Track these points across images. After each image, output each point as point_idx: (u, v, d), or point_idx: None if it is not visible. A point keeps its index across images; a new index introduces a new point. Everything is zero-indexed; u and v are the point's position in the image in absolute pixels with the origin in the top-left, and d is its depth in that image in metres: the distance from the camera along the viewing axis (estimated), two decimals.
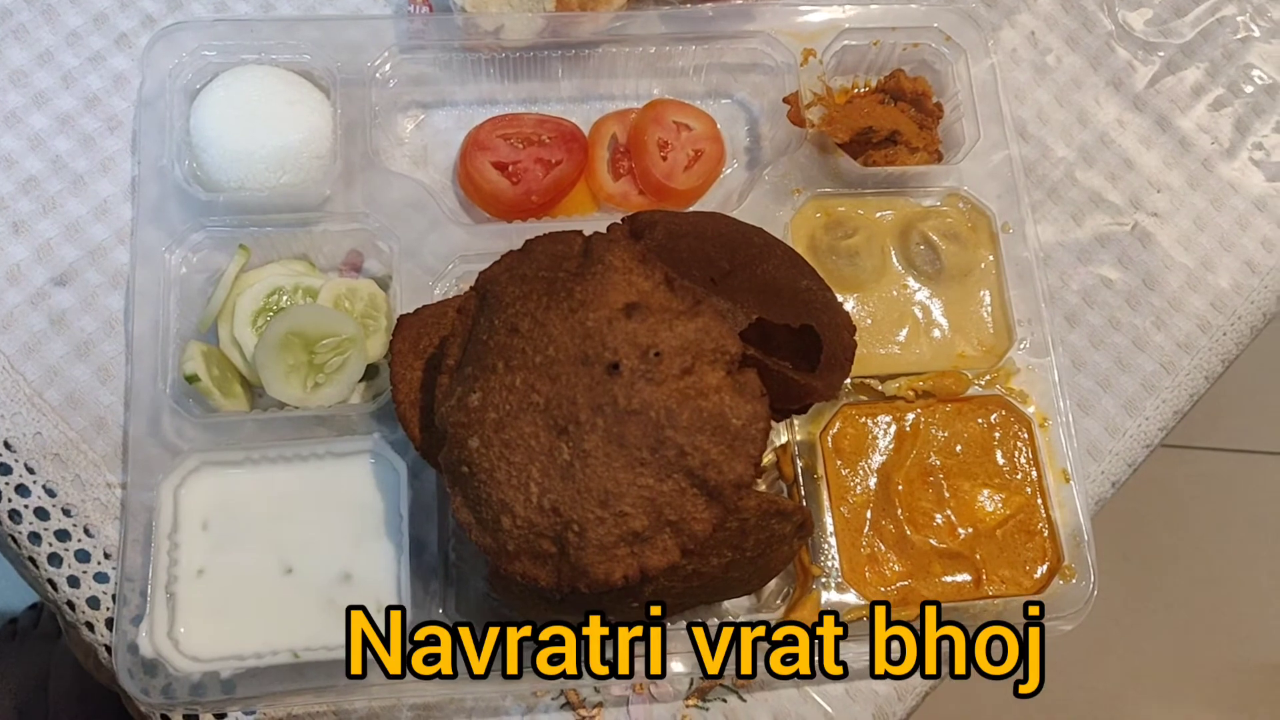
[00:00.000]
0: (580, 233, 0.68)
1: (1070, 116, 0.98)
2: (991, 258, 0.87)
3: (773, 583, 0.79)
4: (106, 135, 0.89)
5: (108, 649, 0.79)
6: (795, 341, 0.71)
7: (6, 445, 0.81)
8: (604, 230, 0.71)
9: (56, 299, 0.84)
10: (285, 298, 0.81)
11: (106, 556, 0.80)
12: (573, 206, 0.90)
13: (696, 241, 0.73)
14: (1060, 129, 0.97)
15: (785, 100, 0.88)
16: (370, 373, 0.83)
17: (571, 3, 0.88)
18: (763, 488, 0.82)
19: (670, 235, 0.74)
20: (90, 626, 0.80)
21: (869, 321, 0.85)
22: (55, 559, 0.80)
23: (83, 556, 0.80)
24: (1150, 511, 1.76)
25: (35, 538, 0.80)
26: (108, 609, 0.79)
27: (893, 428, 0.82)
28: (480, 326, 0.67)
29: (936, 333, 0.85)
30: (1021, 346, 0.85)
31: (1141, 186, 0.96)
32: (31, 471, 0.81)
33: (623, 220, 0.77)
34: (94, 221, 0.87)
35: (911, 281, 0.86)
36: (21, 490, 0.81)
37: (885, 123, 0.88)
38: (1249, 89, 1.00)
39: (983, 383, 0.84)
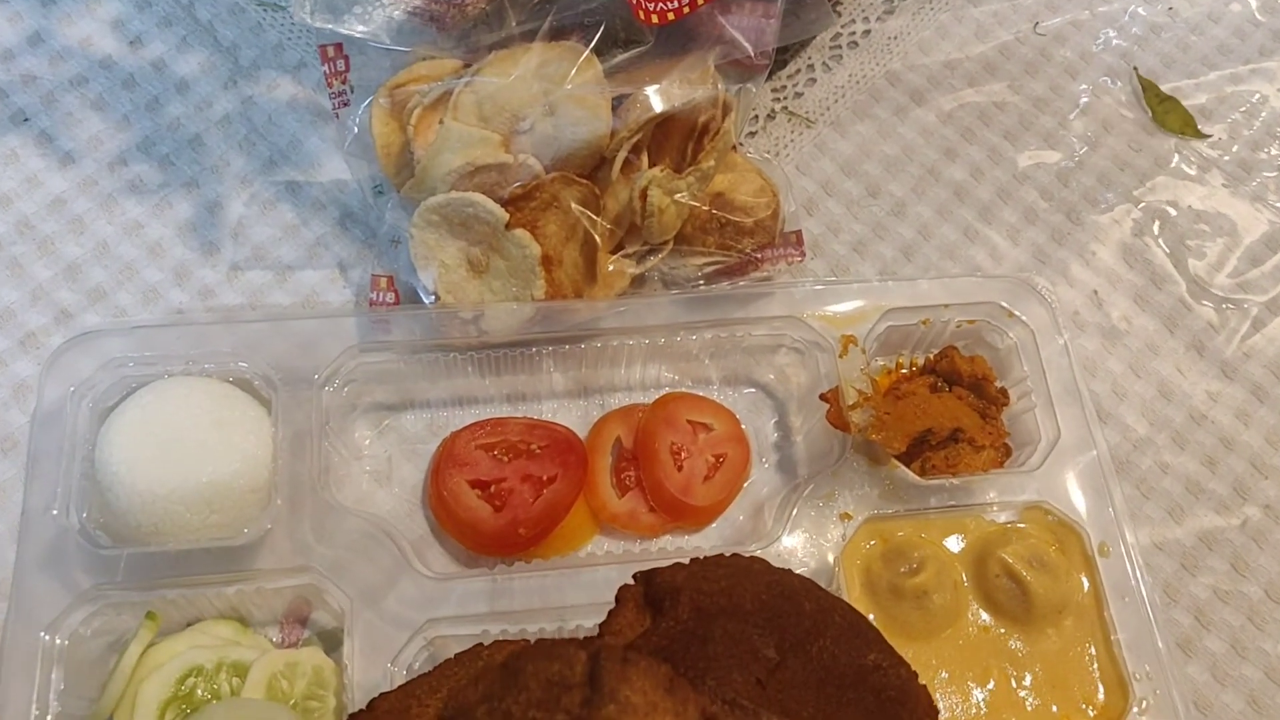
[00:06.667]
0: (582, 648, 0.51)
1: (1150, 389, 0.83)
2: (1088, 585, 0.71)
3: None
4: None
5: None
6: None
7: None
8: (616, 620, 0.55)
9: None
10: (202, 687, 0.63)
11: None
12: (569, 532, 0.73)
13: (734, 622, 0.57)
14: (1140, 405, 0.82)
15: (823, 398, 0.73)
16: None
17: (564, 288, 0.74)
18: None
19: (698, 614, 0.57)
20: None
21: (944, 675, 0.68)
22: None
23: None
24: None
25: None
26: None
27: None
28: None
29: (1032, 693, 0.67)
30: (1141, 707, 0.67)
31: (1246, 472, 0.81)
32: None
33: (635, 579, 0.61)
34: None
35: (993, 624, 0.69)
36: None
37: (945, 420, 0.73)
38: None
39: None
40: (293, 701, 0.64)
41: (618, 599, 0.59)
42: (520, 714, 0.49)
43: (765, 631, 0.57)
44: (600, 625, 0.58)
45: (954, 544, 0.71)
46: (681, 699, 0.48)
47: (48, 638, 0.63)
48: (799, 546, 0.70)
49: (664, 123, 0.75)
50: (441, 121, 0.73)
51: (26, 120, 0.85)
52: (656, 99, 0.74)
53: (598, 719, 0.47)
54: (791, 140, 0.91)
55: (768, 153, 0.89)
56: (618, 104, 0.74)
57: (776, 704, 0.53)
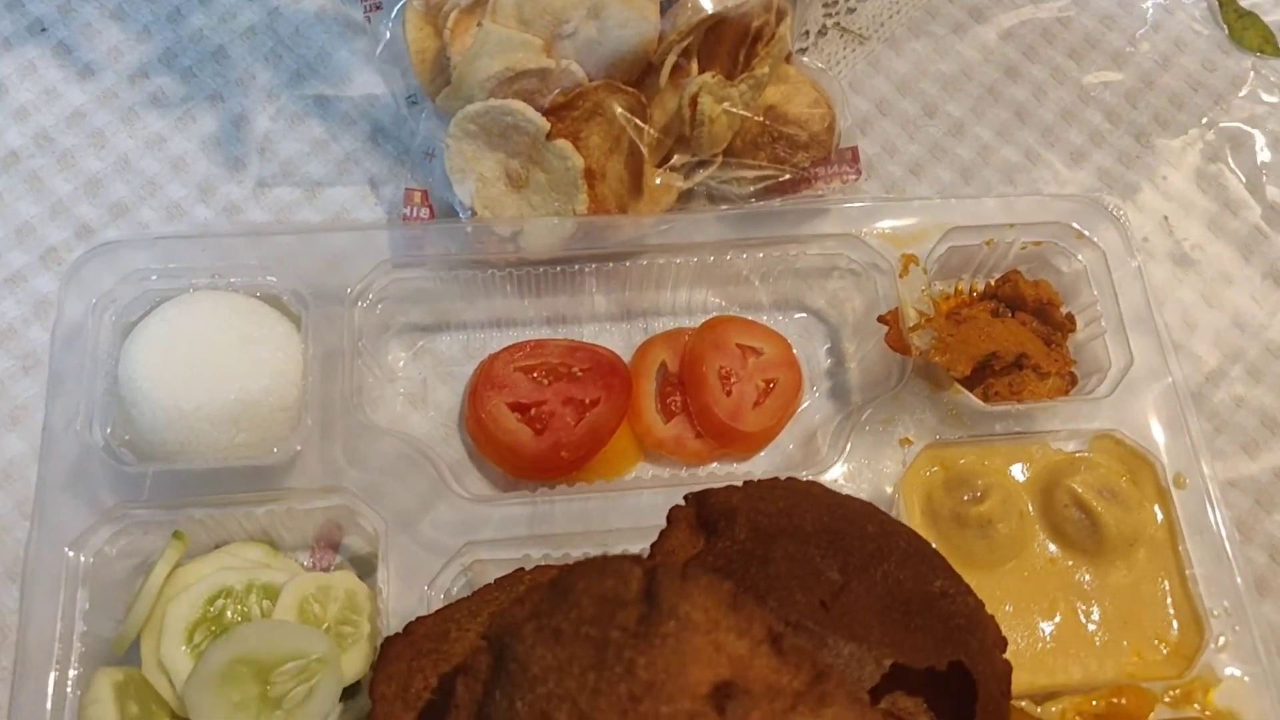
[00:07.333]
0: (637, 563, 0.47)
1: (1223, 319, 0.79)
2: (1162, 517, 0.67)
3: None
4: (19, 377, 0.71)
5: None
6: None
7: None
8: (668, 541, 0.52)
9: None
10: (231, 609, 0.61)
11: None
12: (613, 457, 0.70)
13: (795, 543, 0.53)
14: (1213, 335, 0.78)
15: (882, 320, 0.69)
16: (349, 691, 0.62)
17: (608, 203, 0.70)
18: None
19: (757, 534, 0.54)
20: None
21: (1009, 607, 0.64)
22: None
23: None
24: None
25: None
26: None
27: None
28: (496, 707, 0.46)
29: (1101, 628, 0.64)
30: (1218, 644, 0.63)
31: None
32: None
33: (686, 500, 0.57)
34: None
35: (1060, 555, 0.65)
36: None
37: (1010, 345, 0.69)
38: None
39: (1170, 698, 0.62)
40: (325, 625, 0.62)
41: (669, 520, 0.56)
42: (571, 631, 0.46)
43: (827, 553, 0.53)
44: (651, 546, 0.55)
45: (1019, 473, 0.67)
46: (746, 616, 0.45)
47: (72, 554, 0.61)
48: (855, 473, 0.67)
49: (715, 27, 0.70)
50: (480, 24, 0.69)
51: (44, 30, 0.81)
52: (707, 0, 0.69)
53: (654, 636, 0.44)
54: (844, 57, 0.86)
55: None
56: (666, 6, 0.69)
57: (841, 627, 0.50)
